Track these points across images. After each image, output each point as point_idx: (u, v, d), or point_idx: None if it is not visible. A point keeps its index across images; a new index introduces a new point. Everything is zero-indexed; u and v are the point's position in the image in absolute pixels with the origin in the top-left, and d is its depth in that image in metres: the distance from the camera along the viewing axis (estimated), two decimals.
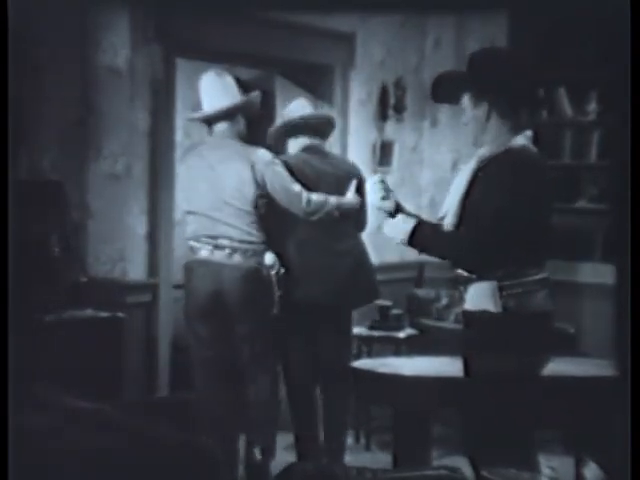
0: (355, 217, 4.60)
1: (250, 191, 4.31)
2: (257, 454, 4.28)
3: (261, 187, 4.32)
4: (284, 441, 4.73)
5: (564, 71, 6.05)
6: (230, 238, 4.31)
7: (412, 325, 5.68)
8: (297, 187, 4.35)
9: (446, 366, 3.92)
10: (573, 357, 4.57)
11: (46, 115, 4.44)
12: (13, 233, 2.76)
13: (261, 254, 4.38)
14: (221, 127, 4.45)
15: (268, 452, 4.47)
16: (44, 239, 4.20)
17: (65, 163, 4.54)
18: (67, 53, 4.54)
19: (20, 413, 2.70)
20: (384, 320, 5.53)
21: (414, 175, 6.48)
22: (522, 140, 3.22)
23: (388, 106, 6.19)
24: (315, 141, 4.65)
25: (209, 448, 2.82)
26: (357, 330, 5.46)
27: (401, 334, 5.48)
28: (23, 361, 2.93)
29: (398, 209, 3.34)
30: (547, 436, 4.21)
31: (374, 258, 5.01)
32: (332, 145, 5.65)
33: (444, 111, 6.33)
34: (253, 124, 4.59)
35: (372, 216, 4.76)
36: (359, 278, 4.66)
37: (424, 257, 3.42)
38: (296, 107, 4.71)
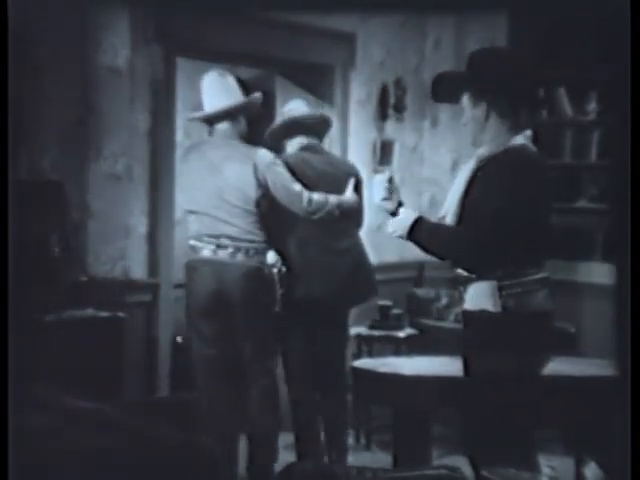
0: (353, 216, 4.62)
1: (252, 191, 4.33)
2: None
3: (263, 187, 4.34)
4: (284, 441, 4.73)
5: (564, 71, 6.05)
6: (232, 237, 4.33)
7: (412, 325, 5.68)
8: (298, 187, 4.37)
9: (446, 366, 3.92)
10: (573, 357, 4.57)
11: (46, 115, 4.44)
12: (13, 233, 2.76)
13: (263, 253, 4.40)
14: (222, 127, 4.47)
15: (270, 452, 4.48)
16: (44, 239, 4.20)
17: (65, 163, 4.54)
18: (67, 53, 4.53)
19: (20, 413, 2.70)
20: (384, 320, 5.54)
21: (414, 175, 6.47)
22: (521, 140, 3.22)
23: (388, 106, 6.19)
24: (312, 141, 4.68)
25: (209, 448, 2.83)
26: (357, 330, 5.47)
27: (401, 334, 5.49)
28: (23, 361, 2.93)
29: (400, 206, 3.32)
30: (547, 436, 4.21)
31: (374, 257, 5.02)
32: (332, 144, 5.67)
33: (444, 111, 6.33)
34: (253, 124, 4.60)
35: (373, 215, 4.79)
36: (358, 277, 4.68)
37: (424, 257, 3.41)
38: (293, 107, 4.74)
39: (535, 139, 3.27)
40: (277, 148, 4.67)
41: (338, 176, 4.61)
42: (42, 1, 4.36)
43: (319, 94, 5.81)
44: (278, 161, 4.42)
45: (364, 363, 4.47)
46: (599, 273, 5.74)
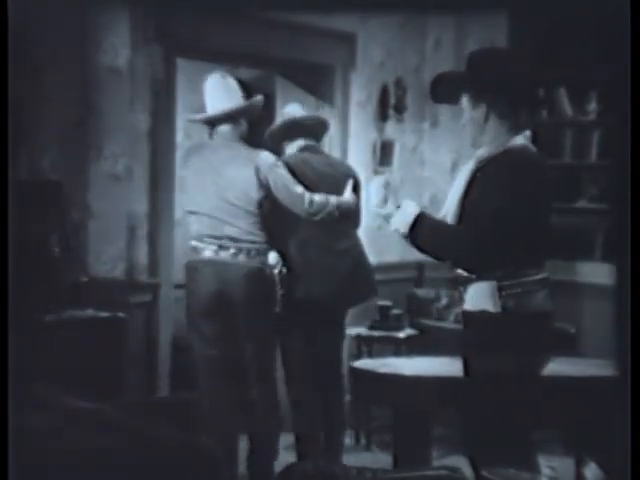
0: (352, 217, 4.64)
1: (254, 192, 4.35)
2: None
3: (265, 189, 4.36)
4: (284, 441, 4.73)
5: (564, 71, 6.05)
6: (234, 238, 4.34)
7: (412, 325, 5.69)
8: (300, 188, 4.39)
9: (446, 366, 3.92)
10: (573, 357, 4.57)
11: (46, 115, 4.44)
12: (13, 233, 2.76)
13: (264, 254, 4.41)
14: (224, 129, 4.48)
15: (271, 452, 4.48)
16: (44, 239, 4.20)
17: (65, 163, 4.54)
18: (67, 53, 4.53)
19: (20, 413, 2.70)
20: (384, 320, 5.54)
21: (414, 175, 6.48)
22: (521, 140, 3.21)
23: (388, 106, 6.19)
24: (310, 142, 4.71)
25: (209, 448, 2.83)
26: (357, 330, 5.47)
27: (401, 334, 5.49)
28: (23, 361, 2.93)
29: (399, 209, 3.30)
30: (547, 436, 4.21)
31: (374, 257, 5.02)
32: (332, 145, 5.67)
33: (444, 112, 6.33)
34: (253, 125, 4.62)
35: (372, 217, 4.79)
36: (357, 277, 4.69)
37: (424, 257, 3.40)
38: (289, 111, 4.78)
39: (535, 139, 3.27)
40: (276, 149, 4.68)
41: (337, 177, 4.64)
42: (42, 1, 4.36)
43: (319, 94, 5.81)
44: (279, 163, 4.44)
45: (364, 363, 4.46)
46: (599, 273, 5.74)
